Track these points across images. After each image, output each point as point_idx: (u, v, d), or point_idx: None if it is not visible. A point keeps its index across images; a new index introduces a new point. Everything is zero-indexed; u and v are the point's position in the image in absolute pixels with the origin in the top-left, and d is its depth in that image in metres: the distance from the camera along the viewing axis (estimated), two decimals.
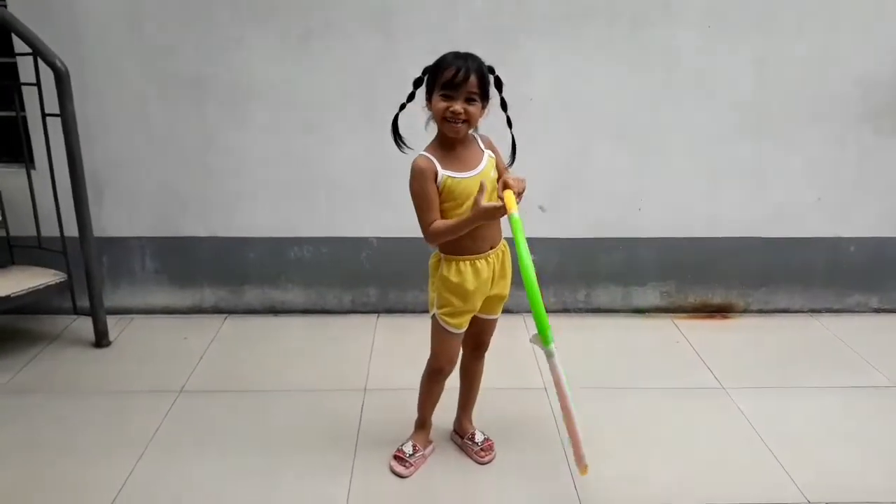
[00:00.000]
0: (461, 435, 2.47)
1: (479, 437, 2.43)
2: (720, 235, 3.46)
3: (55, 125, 2.92)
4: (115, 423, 2.61)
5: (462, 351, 2.31)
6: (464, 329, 2.21)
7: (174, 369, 2.97)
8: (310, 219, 3.38)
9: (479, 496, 2.26)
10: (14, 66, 3.08)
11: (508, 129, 2.13)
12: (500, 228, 2.17)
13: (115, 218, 3.34)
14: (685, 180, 3.38)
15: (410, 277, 3.42)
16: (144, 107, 3.21)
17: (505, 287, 2.24)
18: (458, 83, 1.94)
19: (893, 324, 3.51)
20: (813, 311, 3.59)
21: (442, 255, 2.15)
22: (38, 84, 2.91)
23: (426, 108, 2.05)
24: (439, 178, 2.02)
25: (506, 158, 2.18)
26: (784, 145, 3.34)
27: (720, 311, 3.58)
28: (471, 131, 2.08)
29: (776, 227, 3.46)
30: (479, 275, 2.12)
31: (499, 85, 2.05)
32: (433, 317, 2.21)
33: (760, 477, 2.35)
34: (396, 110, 2.09)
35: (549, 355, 1.81)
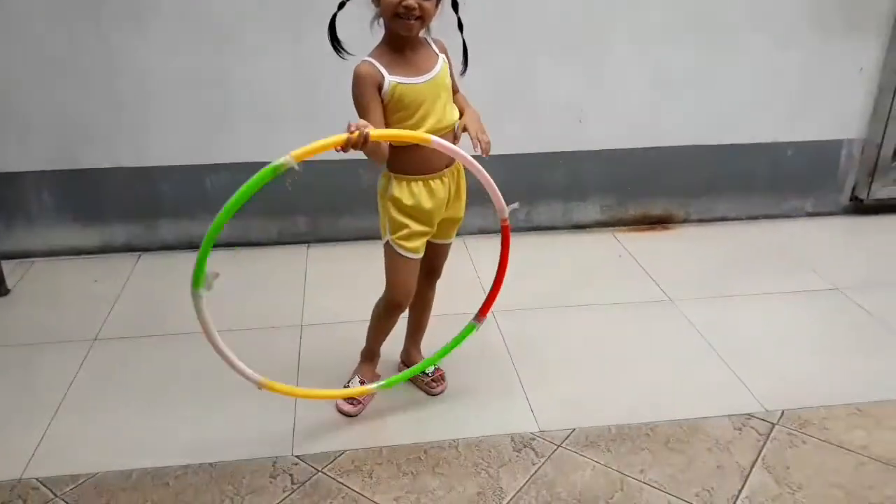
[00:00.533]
0: (410, 366, 2.32)
1: (429, 368, 2.30)
2: (662, 145, 3.36)
3: None
4: (22, 380, 2.37)
5: None
6: (420, 254, 2.04)
7: (86, 316, 2.72)
8: (227, 143, 3.10)
9: (432, 429, 2.14)
10: None
11: (460, 33, 1.94)
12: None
13: (3, 151, 2.98)
14: (627, 91, 3.24)
15: (342, 204, 3.20)
16: (31, 25, 2.82)
17: (460, 209, 2.08)
18: None
19: (826, 226, 3.53)
20: (751, 217, 3.57)
21: (392, 174, 1.94)
22: None
23: (372, 6, 1.83)
24: (386, 85, 1.82)
25: (457, 66, 2.00)
26: (726, 51, 3.23)
27: (660, 222, 3.52)
28: (423, 34, 1.89)
29: (718, 134, 3.38)
30: (435, 195, 1.95)
31: None
32: (386, 244, 2.02)
33: (717, 388, 2.32)
34: (335, 10, 1.85)
35: (195, 297, 1.67)
